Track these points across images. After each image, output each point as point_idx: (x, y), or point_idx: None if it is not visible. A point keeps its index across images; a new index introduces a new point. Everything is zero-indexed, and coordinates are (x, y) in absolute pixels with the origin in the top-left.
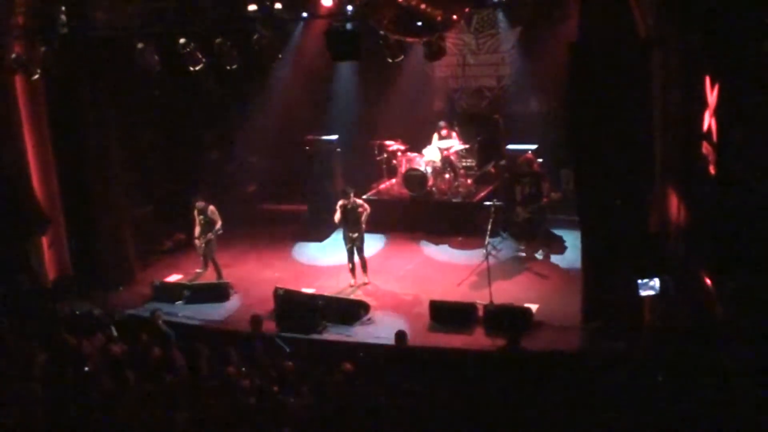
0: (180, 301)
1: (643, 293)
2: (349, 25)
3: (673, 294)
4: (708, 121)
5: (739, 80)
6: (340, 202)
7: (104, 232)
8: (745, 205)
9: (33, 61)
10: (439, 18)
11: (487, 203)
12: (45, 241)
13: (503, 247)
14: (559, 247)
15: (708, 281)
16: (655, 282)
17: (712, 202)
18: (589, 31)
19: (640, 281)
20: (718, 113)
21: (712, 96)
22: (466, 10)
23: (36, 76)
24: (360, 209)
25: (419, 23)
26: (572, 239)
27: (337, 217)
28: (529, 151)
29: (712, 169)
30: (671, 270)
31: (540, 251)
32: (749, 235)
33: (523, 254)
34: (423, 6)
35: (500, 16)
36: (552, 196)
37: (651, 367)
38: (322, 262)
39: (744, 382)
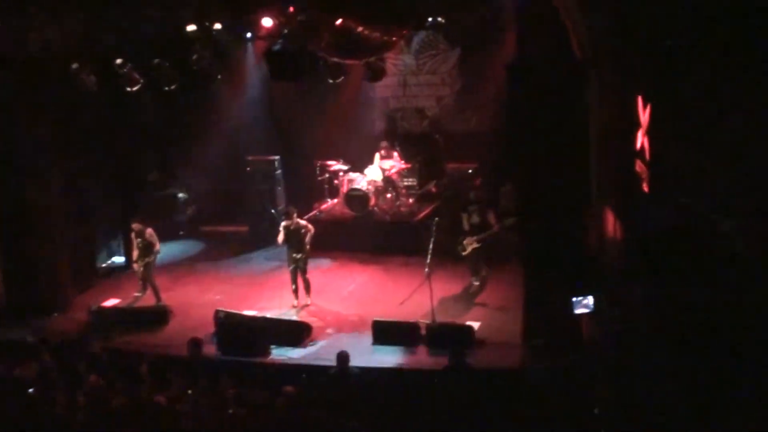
0: (118, 326)
1: (578, 311)
2: (289, 46)
3: (607, 311)
4: (641, 139)
5: (669, 101)
6: (283, 223)
7: (38, 256)
8: (676, 222)
9: None
10: (377, 40)
11: (429, 222)
12: None
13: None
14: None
15: (639, 296)
16: (589, 300)
17: (645, 219)
18: (526, 52)
19: (574, 299)
20: (650, 132)
21: (644, 116)
22: (404, 32)
23: None
24: (303, 230)
25: (357, 46)
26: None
27: (280, 238)
28: (474, 176)
29: (645, 187)
30: (606, 287)
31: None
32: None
33: (476, 282)
34: (361, 29)
35: (440, 37)
36: (505, 222)
37: (590, 383)
38: (265, 283)
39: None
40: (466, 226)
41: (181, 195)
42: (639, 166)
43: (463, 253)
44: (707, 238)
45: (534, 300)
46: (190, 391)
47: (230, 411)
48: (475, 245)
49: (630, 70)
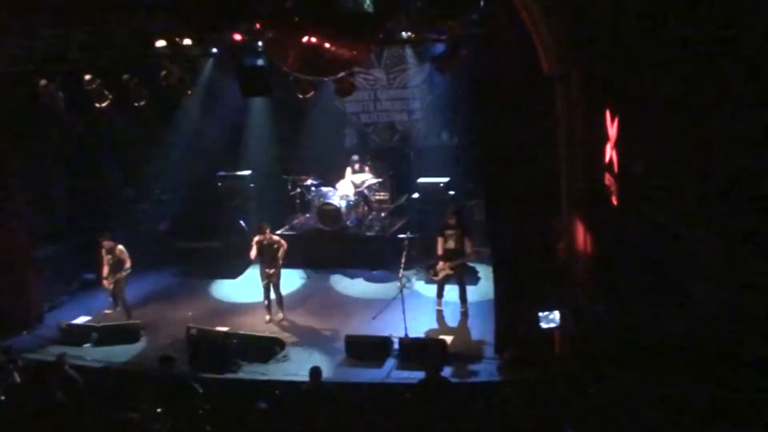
0: (88, 344)
1: (544, 326)
2: (259, 61)
3: (572, 326)
4: (609, 153)
5: (637, 114)
6: (256, 238)
7: (6, 274)
8: (643, 235)
9: None
10: (344, 57)
11: (401, 236)
12: None
13: (417, 280)
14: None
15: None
16: (555, 315)
17: (614, 231)
18: (494, 66)
19: (540, 314)
20: (618, 146)
21: (612, 129)
22: (371, 48)
23: None
24: (276, 245)
25: (325, 62)
26: (485, 271)
27: (253, 253)
28: (453, 207)
29: (614, 200)
30: (574, 301)
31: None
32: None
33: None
34: (327, 45)
35: (409, 52)
36: (482, 250)
37: (561, 396)
38: (237, 299)
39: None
40: (440, 250)
41: (152, 211)
42: (608, 179)
43: (434, 278)
44: (674, 251)
45: (504, 313)
46: (159, 410)
47: (207, 428)
48: (448, 272)
49: (597, 84)
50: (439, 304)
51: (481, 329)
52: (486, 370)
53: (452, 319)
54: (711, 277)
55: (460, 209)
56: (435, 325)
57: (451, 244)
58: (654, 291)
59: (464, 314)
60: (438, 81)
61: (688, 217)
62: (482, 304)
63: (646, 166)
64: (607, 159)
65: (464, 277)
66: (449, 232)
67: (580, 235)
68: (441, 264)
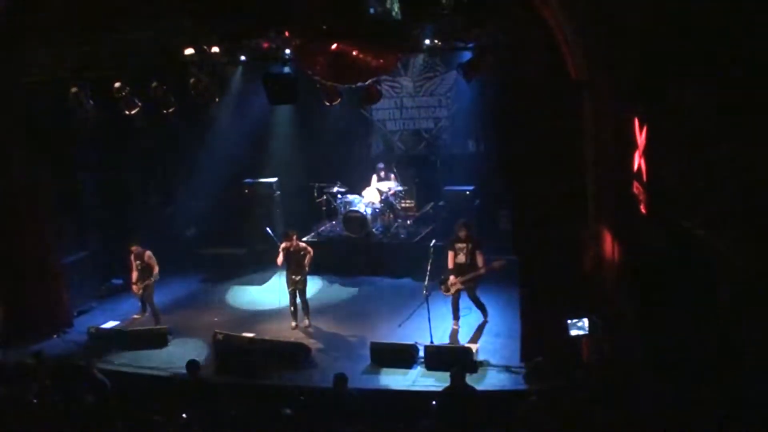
0: (116, 349)
1: (573, 333)
2: (286, 69)
3: (601, 333)
4: (638, 161)
5: (666, 122)
6: (283, 245)
7: (37, 278)
8: (673, 243)
9: None
10: (372, 64)
11: (427, 244)
12: None
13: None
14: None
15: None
16: (584, 322)
17: (642, 241)
18: (521, 73)
19: (569, 321)
20: (647, 153)
21: (641, 137)
22: (399, 56)
23: None
24: (303, 252)
25: (353, 70)
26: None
27: (280, 259)
28: (463, 220)
29: (643, 209)
30: (601, 309)
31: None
32: (676, 272)
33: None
34: (355, 53)
35: (437, 59)
36: (494, 265)
37: (588, 406)
38: (263, 305)
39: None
40: (450, 264)
41: (180, 218)
42: (636, 187)
43: (446, 294)
44: (705, 259)
45: (530, 321)
46: (184, 415)
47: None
48: (459, 287)
49: (625, 91)
50: (456, 324)
51: (506, 337)
52: (512, 378)
53: (479, 327)
54: (739, 284)
55: (470, 222)
56: (462, 333)
57: (461, 258)
58: (682, 299)
59: (484, 325)
60: (464, 88)
61: (717, 225)
62: (508, 311)
63: (676, 174)
64: (635, 167)
65: (476, 291)
66: (460, 245)
67: (608, 243)
68: (452, 278)
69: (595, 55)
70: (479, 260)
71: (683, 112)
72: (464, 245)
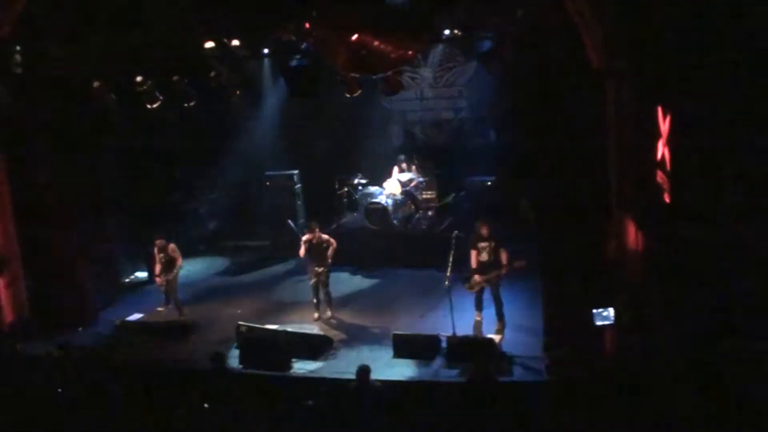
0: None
1: (598, 323)
2: (306, 62)
3: (627, 323)
4: (661, 150)
5: (689, 111)
6: (305, 237)
7: (62, 271)
8: (698, 232)
9: None
10: (393, 55)
11: (449, 235)
12: (1, 281)
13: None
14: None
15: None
16: (609, 312)
17: (666, 230)
18: (542, 62)
19: (594, 311)
20: (670, 143)
21: (664, 126)
22: (420, 46)
23: None
24: (325, 244)
25: (373, 61)
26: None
27: (302, 251)
28: (482, 219)
29: (666, 198)
30: (626, 298)
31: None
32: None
33: (478, 318)
34: (376, 44)
35: (457, 50)
36: (515, 264)
37: (612, 396)
38: (285, 297)
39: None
40: (474, 263)
41: (202, 210)
42: (660, 176)
43: (470, 290)
44: (729, 247)
45: (553, 311)
46: (206, 405)
47: (252, 424)
48: (483, 285)
49: (648, 80)
50: (479, 315)
51: (529, 328)
52: (534, 369)
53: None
54: (765, 272)
55: (492, 219)
56: (484, 324)
57: (484, 257)
58: (706, 287)
59: (500, 330)
60: (485, 78)
61: (741, 213)
62: (531, 304)
63: (700, 162)
64: (659, 156)
65: (500, 289)
66: (482, 244)
67: (631, 233)
68: (476, 277)
69: (617, 43)
70: (503, 257)
71: (708, 99)
72: (487, 243)
